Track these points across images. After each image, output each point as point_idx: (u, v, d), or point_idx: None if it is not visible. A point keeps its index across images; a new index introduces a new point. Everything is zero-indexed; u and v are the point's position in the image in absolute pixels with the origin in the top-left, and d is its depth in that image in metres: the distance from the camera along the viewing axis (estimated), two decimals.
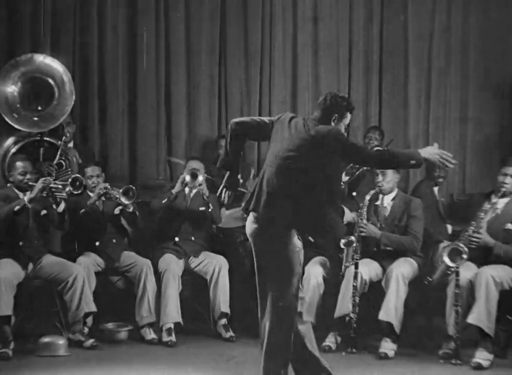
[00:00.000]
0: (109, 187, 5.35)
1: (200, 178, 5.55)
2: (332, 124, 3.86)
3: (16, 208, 4.97)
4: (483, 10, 6.90)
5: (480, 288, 4.66)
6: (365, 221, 5.16)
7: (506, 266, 4.84)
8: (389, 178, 5.28)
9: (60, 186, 5.14)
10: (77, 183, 5.23)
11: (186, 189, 5.67)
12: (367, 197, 5.22)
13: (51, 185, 5.10)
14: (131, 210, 5.42)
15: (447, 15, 6.93)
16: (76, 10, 6.51)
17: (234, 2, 6.80)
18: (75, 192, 5.21)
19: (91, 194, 5.46)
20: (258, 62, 6.81)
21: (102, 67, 6.59)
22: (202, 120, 6.79)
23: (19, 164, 5.19)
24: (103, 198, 5.41)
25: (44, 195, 5.09)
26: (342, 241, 5.05)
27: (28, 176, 5.17)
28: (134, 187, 5.37)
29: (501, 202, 4.99)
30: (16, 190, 5.19)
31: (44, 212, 5.21)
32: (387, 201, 5.32)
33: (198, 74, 6.77)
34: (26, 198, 5.00)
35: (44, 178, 5.10)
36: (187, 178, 5.55)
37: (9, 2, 6.37)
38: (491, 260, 4.87)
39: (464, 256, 4.71)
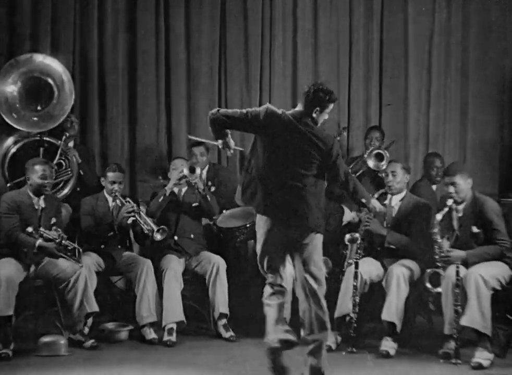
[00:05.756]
0: (136, 209, 5.43)
1: (198, 171, 5.57)
2: (314, 115, 4.09)
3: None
4: (483, 10, 6.90)
5: (470, 289, 4.61)
6: (371, 216, 5.12)
7: (499, 263, 4.80)
8: (399, 179, 5.25)
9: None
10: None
11: (176, 189, 5.68)
12: (376, 195, 5.19)
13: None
14: (158, 238, 5.43)
15: (447, 15, 6.93)
16: (76, 10, 6.50)
17: (234, 2, 6.79)
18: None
19: (108, 196, 5.52)
20: (258, 62, 6.80)
21: (102, 67, 6.57)
22: (202, 120, 6.77)
23: (38, 167, 5.07)
24: (129, 220, 5.43)
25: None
26: (347, 237, 5.03)
27: (48, 180, 5.09)
28: (166, 228, 5.40)
29: (459, 208, 4.92)
30: (31, 194, 5.09)
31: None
32: (395, 201, 5.28)
33: (198, 74, 6.76)
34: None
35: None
36: (186, 171, 5.55)
37: (9, 3, 6.37)
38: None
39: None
